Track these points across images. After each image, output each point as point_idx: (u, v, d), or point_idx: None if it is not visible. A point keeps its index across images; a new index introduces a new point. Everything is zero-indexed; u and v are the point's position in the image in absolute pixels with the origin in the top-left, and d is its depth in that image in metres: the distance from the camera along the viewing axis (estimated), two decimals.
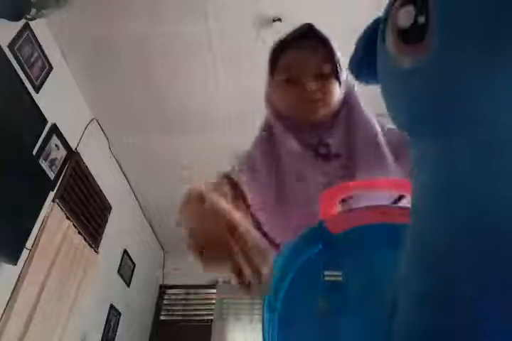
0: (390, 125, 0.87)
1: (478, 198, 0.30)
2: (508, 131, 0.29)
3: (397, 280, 0.38)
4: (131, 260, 3.62)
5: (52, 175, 2.39)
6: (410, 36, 0.31)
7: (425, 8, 0.29)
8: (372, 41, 0.41)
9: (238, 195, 0.84)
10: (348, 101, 0.89)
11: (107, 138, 3.07)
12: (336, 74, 0.86)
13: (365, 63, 0.44)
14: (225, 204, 0.59)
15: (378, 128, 0.87)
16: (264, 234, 0.84)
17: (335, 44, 0.86)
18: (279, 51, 0.88)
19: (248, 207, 0.84)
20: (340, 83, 0.87)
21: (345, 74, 0.87)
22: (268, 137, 0.93)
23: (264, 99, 0.97)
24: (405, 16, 0.31)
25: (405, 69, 0.33)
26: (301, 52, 0.86)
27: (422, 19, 0.30)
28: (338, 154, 0.86)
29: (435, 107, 0.32)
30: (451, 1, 0.29)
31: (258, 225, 0.84)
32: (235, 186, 0.85)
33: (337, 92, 0.87)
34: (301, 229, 0.69)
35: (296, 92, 0.85)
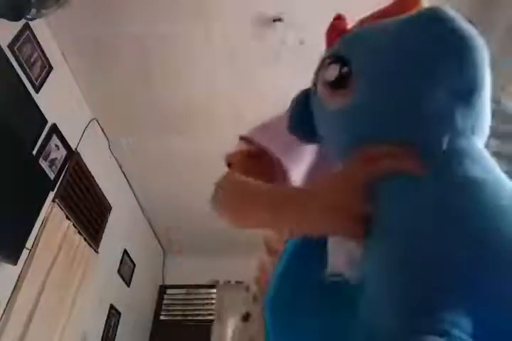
0: None
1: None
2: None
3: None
4: (131, 260, 3.62)
5: (52, 175, 2.39)
6: (337, 84, 0.44)
7: (347, 63, 0.43)
8: (303, 106, 0.53)
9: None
10: None
11: (107, 138, 3.07)
12: None
13: (301, 120, 0.54)
14: None
15: None
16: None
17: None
18: None
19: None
20: None
21: None
22: None
23: None
24: (332, 71, 0.44)
25: (333, 110, 0.45)
26: None
27: (345, 69, 0.43)
28: None
29: (363, 135, 0.43)
30: (367, 62, 0.42)
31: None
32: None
33: None
34: None
35: None
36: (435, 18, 0.40)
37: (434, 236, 0.35)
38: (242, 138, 0.83)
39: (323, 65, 0.46)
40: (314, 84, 0.48)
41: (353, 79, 0.42)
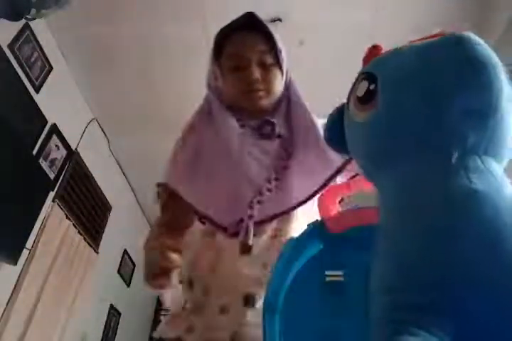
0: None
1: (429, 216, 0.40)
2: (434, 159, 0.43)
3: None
4: (131, 260, 3.62)
5: (52, 175, 2.39)
6: (365, 99, 0.48)
7: (375, 81, 0.48)
8: (338, 119, 0.57)
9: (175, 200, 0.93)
10: (289, 93, 0.96)
11: (107, 138, 3.07)
12: (278, 65, 0.92)
13: (335, 132, 0.58)
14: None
15: (316, 120, 0.93)
16: (207, 219, 0.88)
17: (277, 36, 0.94)
18: (225, 38, 0.95)
19: (185, 206, 0.91)
20: (282, 74, 0.93)
21: (286, 65, 0.94)
22: (207, 112, 1.03)
23: (206, 84, 1.05)
24: (362, 87, 0.49)
25: (360, 122, 0.49)
26: (246, 40, 0.94)
27: (372, 86, 0.48)
28: (280, 135, 0.92)
29: (381, 146, 0.48)
30: (391, 78, 0.47)
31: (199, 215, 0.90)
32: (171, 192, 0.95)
33: (279, 82, 0.93)
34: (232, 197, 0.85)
35: (242, 79, 0.90)
36: (458, 42, 0.43)
37: (430, 242, 0.39)
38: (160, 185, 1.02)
39: (357, 80, 0.52)
40: (348, 98, 0.53)
41: (378, 94, 0.47)
